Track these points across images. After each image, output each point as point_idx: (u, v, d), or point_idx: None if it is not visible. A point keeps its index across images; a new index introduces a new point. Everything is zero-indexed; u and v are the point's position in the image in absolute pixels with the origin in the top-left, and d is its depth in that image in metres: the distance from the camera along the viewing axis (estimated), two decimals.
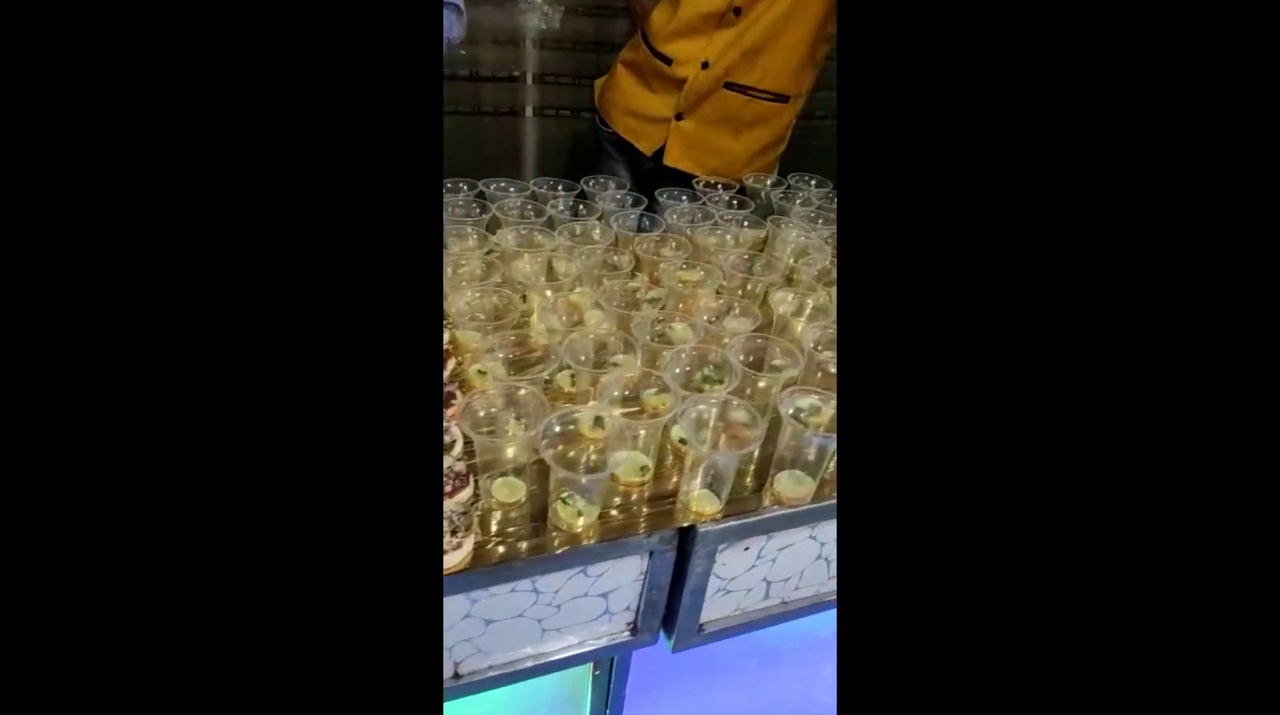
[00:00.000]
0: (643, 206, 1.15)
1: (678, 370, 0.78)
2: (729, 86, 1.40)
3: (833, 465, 0.81)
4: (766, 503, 0.75)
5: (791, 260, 1.07)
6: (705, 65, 1.37)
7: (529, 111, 1.88)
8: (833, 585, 0.86)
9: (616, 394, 0.73)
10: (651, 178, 1.51)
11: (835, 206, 1.26)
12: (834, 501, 0.76)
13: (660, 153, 1.48)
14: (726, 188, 1.26)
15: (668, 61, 1.40)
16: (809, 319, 0.95)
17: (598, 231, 1.11)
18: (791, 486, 0.76)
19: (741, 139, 1.47)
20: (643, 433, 0.72)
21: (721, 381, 0.80)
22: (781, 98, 1.42)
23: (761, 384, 0.78)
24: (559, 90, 1.89)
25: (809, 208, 1.21)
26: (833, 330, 0.88)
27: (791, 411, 0.76)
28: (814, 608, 0.87)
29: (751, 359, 0.85)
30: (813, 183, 1.32)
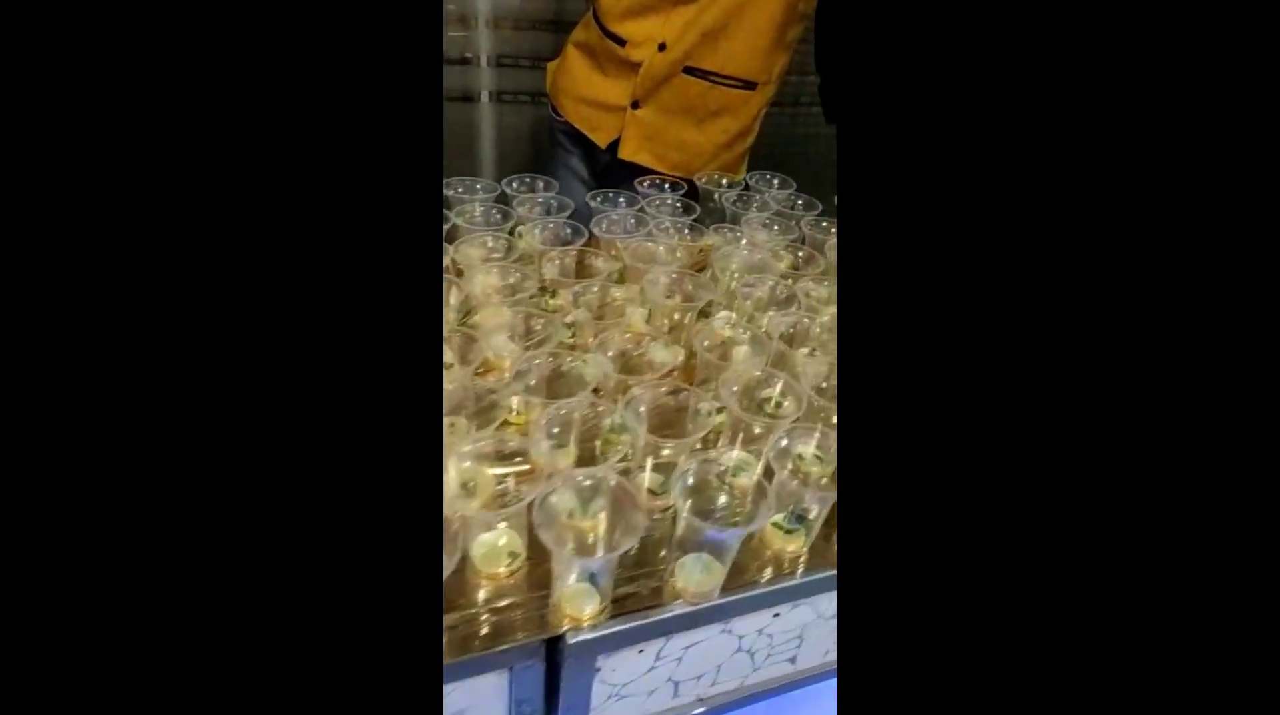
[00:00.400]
0: (568, 212, 1.00)
1: (556, 430, 0.63)
2: (689, 71, 1.23)
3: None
4: (666, 597, 0.61)
5: (734, 278, 0.91)
6: (662, 47, 1.21)
7: (484, 97, 1.72)
8: (760, 677, 0.72)
9: (468, 465, 0.59)
10: (609, 173, 1.36)
11: (795, 211, 1.09)
12: (749, 594, 0.62)
13: (616, 145, 1.33)
14: (674, 188, 1.10)
15: (621, 42, 1.24)
16: (748, 353, 0.80)
17: (523, 242, 0.97)
18: (697, 576, 0.62)
19: (705, 130, 1.31)
20: (503, 525, 0.58)
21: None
22: (749, 84, 1.26)
23: (666, 452, 0.64)
24: (518, 74, 1.72)
25: (765, 213, 1.05)
26: (763, 373, 0.73)
27: (690, 483, 0.62)
28: (741, 703, 0.73)
29: (656, 407, 0.70)
30: (775, 183, 1.16)
